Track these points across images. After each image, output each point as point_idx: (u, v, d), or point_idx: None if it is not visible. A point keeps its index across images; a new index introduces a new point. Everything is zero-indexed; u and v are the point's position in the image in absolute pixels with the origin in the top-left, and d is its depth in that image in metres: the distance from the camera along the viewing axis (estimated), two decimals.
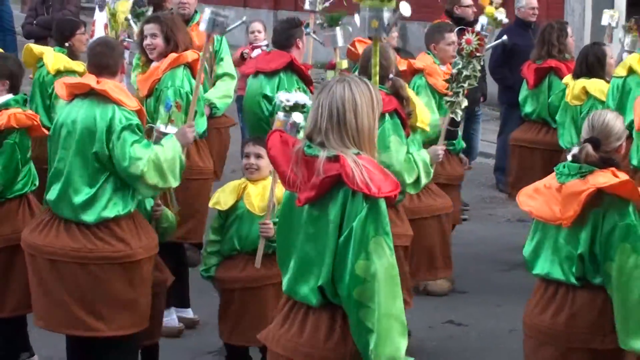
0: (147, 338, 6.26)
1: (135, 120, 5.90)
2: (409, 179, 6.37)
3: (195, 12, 8.36)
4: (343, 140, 4.27)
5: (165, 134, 6.18)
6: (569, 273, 5.17)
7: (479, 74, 7.23)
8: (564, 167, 5.21)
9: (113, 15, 8.37)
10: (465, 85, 7.04)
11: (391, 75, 6.48)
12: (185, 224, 7.16)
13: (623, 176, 5.10)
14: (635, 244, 5.02)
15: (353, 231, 4.21)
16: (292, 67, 7.70)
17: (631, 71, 8.06)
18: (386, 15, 5.38)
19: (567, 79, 8.54)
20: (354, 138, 4.28)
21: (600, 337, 5.14)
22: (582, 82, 8.33)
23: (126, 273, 5.94)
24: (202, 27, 6.58)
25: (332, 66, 8.43)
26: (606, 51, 8.47)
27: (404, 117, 6.42)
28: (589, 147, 5.12)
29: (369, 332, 4.20)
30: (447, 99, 7.08)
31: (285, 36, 7.82)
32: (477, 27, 8.78)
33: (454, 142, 8.13)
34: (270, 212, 6.02)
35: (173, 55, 7.14)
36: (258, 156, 6.20)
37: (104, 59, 6.02)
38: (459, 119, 7.16)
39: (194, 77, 7.17)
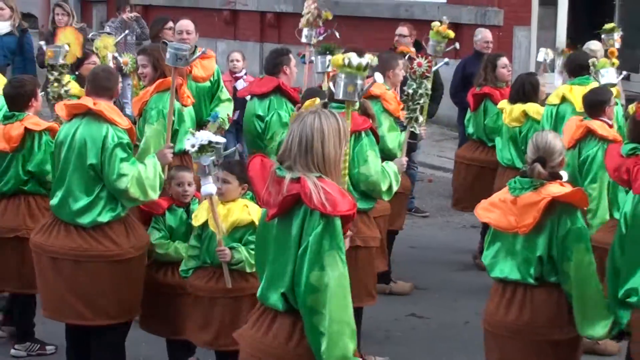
0: (172, 334, 6.29)
1: (126, 138, 5.97)
2: (384, 187, 6.47)
3: (195, 47, 8.33)
4: (308, 165, 4.24)
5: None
6: (526, 274, 5.20)
7: (430, 92, 7.40)
8: (515, 182, 5.26)
9: (98, 49, 8.33)
10: (421, 102, 7.18)
11: None
12: None
13: (569, 186, 5.20)
14: (587, 244, 5.12)
15: (309, 245, 4.21)
16: (280, 90, 7.78)
17: (564, 99, 8.02)
18: (359, 82, 5.43)
19: (503, 103, 8.53)
20: (319, 164, 4.25)
21: (558, 328, 5.19)
22: (520, 106, 8.30)
23: (116, 270, 6.00)
24: (169, 62, 6.67)
25: (320, 87, 8.52)
26: (539, 80, 8.55)
27: (376, 134, 6.52)
28: (538, 166, 5.20)
29: (321, 335, 4.21)
30: (406, 115, 7.18)
31: (273, 64, 7.89)
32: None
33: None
34: (221, 238, 5.74)
35: (159, 81, 7.30)
36: (224, 181, 5.86)
37: (106, 82, 6.11)
38: (417, 132, 7.29)
39: (179, 100, 7.27)
